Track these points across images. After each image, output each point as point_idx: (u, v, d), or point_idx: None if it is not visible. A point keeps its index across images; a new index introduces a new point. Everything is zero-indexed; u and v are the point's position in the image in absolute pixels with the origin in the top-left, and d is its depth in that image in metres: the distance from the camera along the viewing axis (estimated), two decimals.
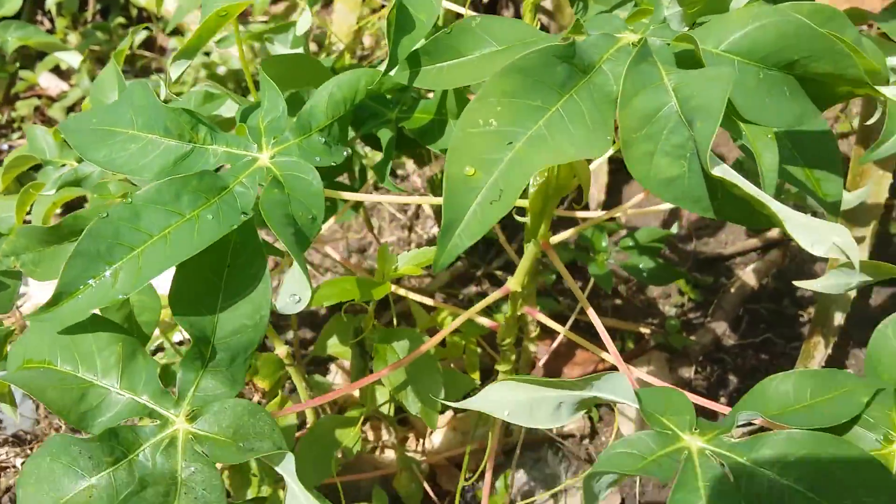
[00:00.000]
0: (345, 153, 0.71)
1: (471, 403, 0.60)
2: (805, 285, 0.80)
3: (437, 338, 0.78)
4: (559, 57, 0.60)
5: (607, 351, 0.79)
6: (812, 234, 0.55)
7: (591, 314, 0.76)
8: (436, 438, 1.18)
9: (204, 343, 0.64)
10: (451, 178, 0.58)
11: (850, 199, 1.07)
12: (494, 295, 0.85)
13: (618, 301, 1.55)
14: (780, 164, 0.83)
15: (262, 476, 1.03)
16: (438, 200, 0.88)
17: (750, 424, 0.62)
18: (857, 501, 0.53)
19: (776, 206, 0.56)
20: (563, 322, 1.53)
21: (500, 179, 0.58)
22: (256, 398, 0.92)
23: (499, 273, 1.57)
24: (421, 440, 1.17)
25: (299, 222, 0.64)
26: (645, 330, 1.39)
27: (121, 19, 2.30)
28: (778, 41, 0.62)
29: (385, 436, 1.17)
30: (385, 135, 0.82)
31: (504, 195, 0.57)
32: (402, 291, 1.04)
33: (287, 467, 0.57)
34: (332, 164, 0.69)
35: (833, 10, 0.67)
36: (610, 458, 0.56)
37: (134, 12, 2.36)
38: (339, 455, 1.23)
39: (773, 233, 1.65)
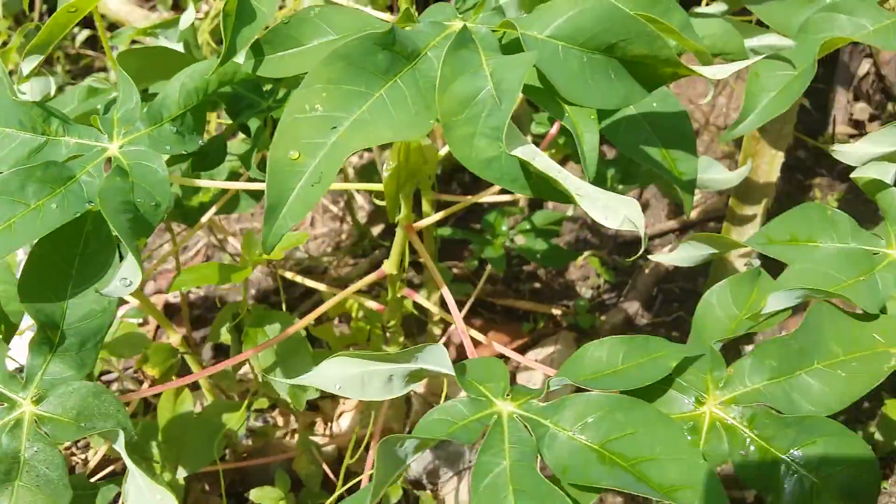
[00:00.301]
0: (199, 142, 0.74)
1: (304, 379, 0.63)
2: (658, 258, 0.84)
3: (307, 320, 0.80)
4: (379, 45, 0.62)
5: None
6: (605, 208, 0.58)
7: (445, 292, 0.79)
8: (343, 422, 1.20)
9: (52, 328, 0.66)
10: (276, 163, 0.60)
11: (732, 178, 1.11)
12: (369, 277, 0.88)
13: (537, 284, 1.58)
14: (638, 144, 0.87)
15: (164, 463, 1.05)
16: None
17: None
18: (649, 456, 0.56)
19: (569, 183, 0.59)
20: (481, 306, 1.56)
21: (323, 163, 0.60)
22: (146, 386, 0.94)
23: (421, 260, 1.60)
24: (329, 423, 1.20)
25: (141, 209, 0.66)
26: (556, 311, 1.42)
27: None
28: (596, 25, 0.65)
29: (294, 421, 1.20)
30: (254, 123, 0.84)
31: (323, 177, 0.60)
32: (300, 279, 1.07)
33: (119, 444, 0.59)
34: (184, 152, 0.72)
35: None
36: (425, 425, 0.59)
37: None
38: (249, 441, 1.25)
39: (693, 214, 1.69)
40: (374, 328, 1.18)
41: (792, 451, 0.60)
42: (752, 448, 0.61)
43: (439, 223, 1.37)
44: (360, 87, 0.62)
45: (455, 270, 1.59)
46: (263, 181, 0.89)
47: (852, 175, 0.77)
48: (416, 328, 1.34)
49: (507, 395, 0.61)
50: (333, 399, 1.27)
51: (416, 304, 1.31)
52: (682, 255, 0.82)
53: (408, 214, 0.81)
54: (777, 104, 0.88)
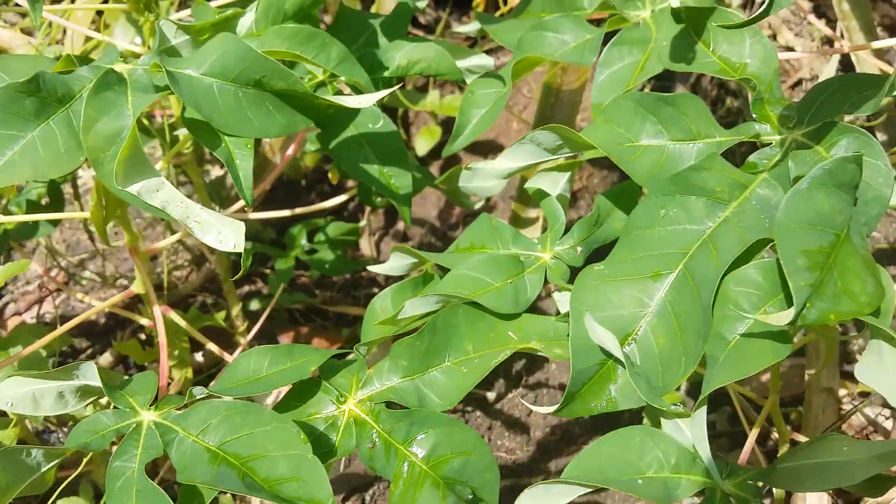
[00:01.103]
0: None
1: None
2: (373, 269, 0.90)
3: (51, 336, 0.86)
4: (24, 92, 0.68)
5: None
6: (213, 231, 0.65)
7: (154, 305, 0.85)
8: None
9: None
10: None
11: (494, 187, 1.18)
12: (115, 298, 0.94)
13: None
14: (359, 163, 0.93)
15: None
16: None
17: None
18: (261, 454, 0.63)
19: (188, 212, 0.65)
20: (316, 313, 1.62)
21: None
22: None
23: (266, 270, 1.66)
24: None
25: None
26: None
27: None
28: (239, 64, 0.72)
29: None
30: None
31: None
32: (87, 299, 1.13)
33: None
34: None
35: (312, 31, 0.77)
36: (71, 436, 0.65)
37: None
38: None
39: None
40: (181, 342, 1.24)
41: (410, 441, 0.67)
42: (377, 440, 0.68)
43: None
44: (13, 130, 0.68)
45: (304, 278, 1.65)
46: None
47: (525, 185, 0.85)
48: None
49: (152, 405, 0.68)
50: None
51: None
52: (393, 265, 0.89)
53: (131, 238, 0.87)
54: (487, 120, 0.95)
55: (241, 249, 0.64)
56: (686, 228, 0.66)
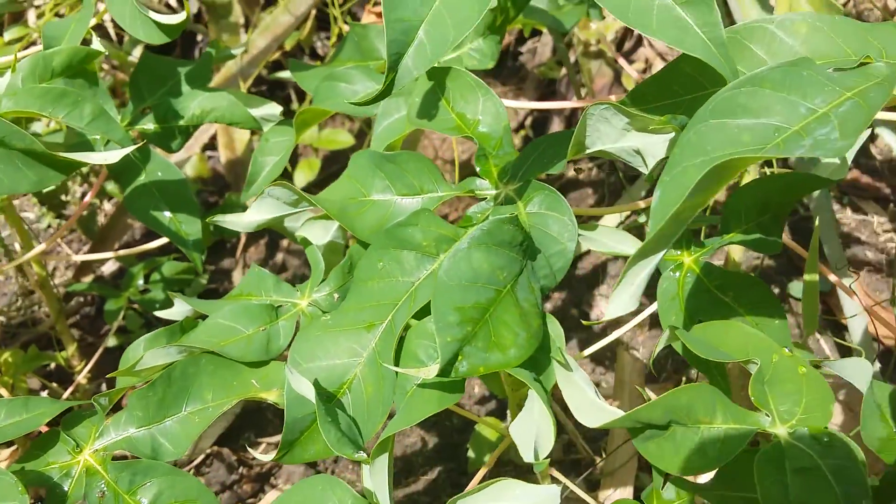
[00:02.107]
0: None
1: None
2: (160, 314, 0.93)
3: None
4: None
5: None
6: None
7: None
8: None
9: None
10: None
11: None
12: None
13: None
14: (150, 210, 0.96)
15: None
16: None
17: None
18: None
19: None
20: None
21: None
22: None
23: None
24: None
25: None
26: None
27: None
28: None
29: None
30: None
31: None
32: None
33: None
34: None
35: (62, 90, 0.80)
36: None
37: None
38: None
39: None
40: (20, 381, 1.25)
41: (134, 490, 0.69)
42: (106, 490, 0.70)
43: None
44: None
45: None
46: None
47: (296, 233, 0.88)
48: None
49: None
50: None
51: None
52: (177, 310, 0.91)
53: None
54: (278, 167, 0.98)
55: None
56: (399, 281, 0.70)
